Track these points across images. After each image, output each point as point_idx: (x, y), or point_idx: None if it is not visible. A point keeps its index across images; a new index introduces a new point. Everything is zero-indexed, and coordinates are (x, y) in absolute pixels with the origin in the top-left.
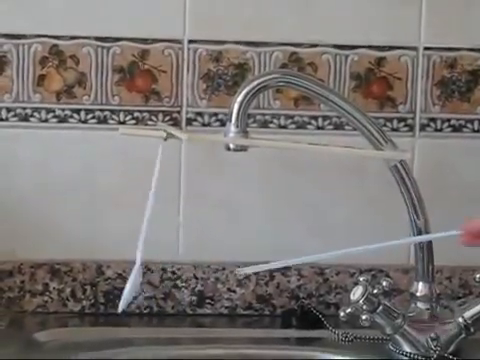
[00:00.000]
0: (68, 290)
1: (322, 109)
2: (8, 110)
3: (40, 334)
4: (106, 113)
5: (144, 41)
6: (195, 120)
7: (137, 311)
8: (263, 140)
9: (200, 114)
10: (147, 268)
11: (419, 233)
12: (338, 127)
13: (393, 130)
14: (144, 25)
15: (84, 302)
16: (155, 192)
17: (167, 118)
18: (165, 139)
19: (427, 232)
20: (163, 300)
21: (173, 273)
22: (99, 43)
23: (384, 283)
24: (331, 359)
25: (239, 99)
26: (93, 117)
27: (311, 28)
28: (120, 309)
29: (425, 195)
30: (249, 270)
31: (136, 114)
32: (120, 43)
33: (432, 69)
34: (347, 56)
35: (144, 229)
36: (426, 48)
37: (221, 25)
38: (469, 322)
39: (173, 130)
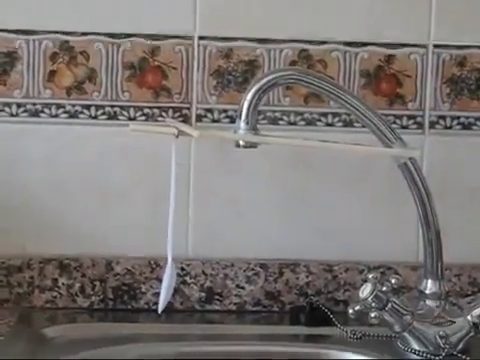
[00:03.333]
0: (77, 286)
1: (332, 106)
2: (18, 105)
3: (49, 330)
4: (116, 109)
5: (154, 37)
6: (205, 116)
7: (146, 307)
8: (274, 137)
9: (210, 110)
10: (156, 264)
11: (427, 230)
12: (347, 124)
13: (402, 127)
14: (154, 21)
15: (93, 298)
16: (169, 190)
17: (177, 114)
18: (176, 136)
19: (436, 230)
20: (172, 296)
21: (182, 269)
22: (109, 39)
23: (393, 280)
24: (339, 358)
25: (249, 96)
26: (103, 113)
27: (321, 25)
28: (160, 310)
29: (434, 192)
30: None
31: (146, 110)
32: (130, 39)
33: (441, 67)
34: (357, 53)
35: (171, 228)
36: (436, 46)
37: (231, 22)
38: (478, 320)
39: (184, 127)
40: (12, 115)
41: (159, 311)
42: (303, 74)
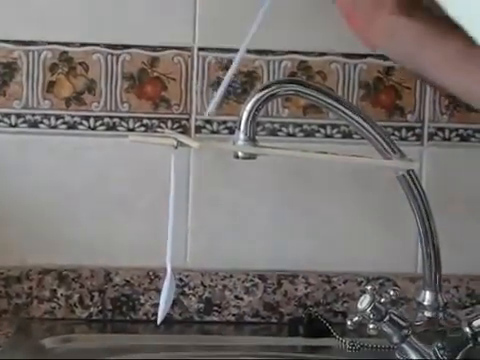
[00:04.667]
0: (76, 296)
1: (330, 117)
2: (18, 116)
3: (47, 340)
4: (115, 120)
5: (154, 48)
6: (204, 128)
7: (144, 318)
8: (273, 148)
9: (209, 122)
10: (155, 275)
11: (426, 242)
12: (346, 136)
13: (401, 139)
14: (154, 32)
15: (92, 309)
16: (168, 201)
17: (176, 125)
18: (176, 147)
19: (433, 243)
20: (170, 307)
21: (181, 280)
22: (109, 50)
23: (391, 292)
24: None
25: (248, 107)
26: (102, 124)
27: (320, 37)
28: (159, 321)
29: (433, 204)
30: None
31: (145, 121)
32: (130, 50)
33: None
34: (356, 65)
35: (170, 239)
36: None
37: (230, 33)
38: (476, 331)
39: (183, 138)
40: (11, 126)
41: (158, 322)
42: (302, 85)
